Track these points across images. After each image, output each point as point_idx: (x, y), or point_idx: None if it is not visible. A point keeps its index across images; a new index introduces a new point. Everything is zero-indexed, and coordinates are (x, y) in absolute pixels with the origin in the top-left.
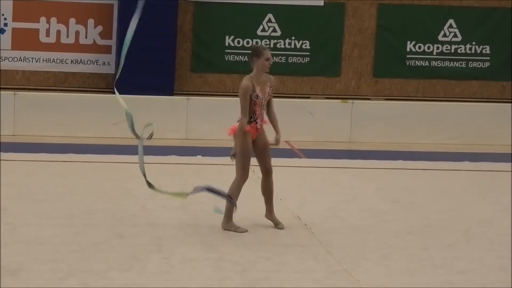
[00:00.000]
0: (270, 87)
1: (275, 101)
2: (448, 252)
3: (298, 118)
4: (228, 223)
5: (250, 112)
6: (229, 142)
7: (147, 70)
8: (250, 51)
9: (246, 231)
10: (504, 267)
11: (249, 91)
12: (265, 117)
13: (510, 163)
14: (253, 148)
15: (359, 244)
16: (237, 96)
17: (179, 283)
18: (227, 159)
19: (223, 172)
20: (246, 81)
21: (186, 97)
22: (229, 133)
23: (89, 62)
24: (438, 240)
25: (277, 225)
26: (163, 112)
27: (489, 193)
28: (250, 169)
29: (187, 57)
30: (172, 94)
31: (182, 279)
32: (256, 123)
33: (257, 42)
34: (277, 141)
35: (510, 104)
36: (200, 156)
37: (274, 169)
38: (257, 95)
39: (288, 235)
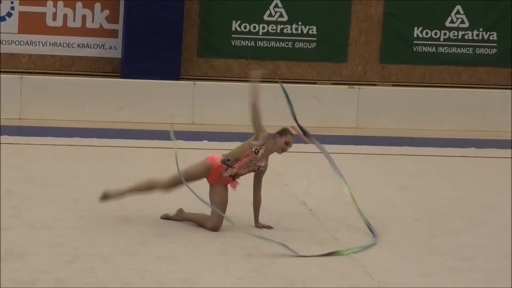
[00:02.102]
0: (264, 164)
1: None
2: (454, 239)
3: (304, 103)
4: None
5: (234, 154)
6: (236, 127)
7: (154, 55)
8: (256, 36)
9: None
10: (509, 255)
11: (255, 143)
12: (239, 181)
13: None
14: (209, 194)
15: (364, 230)
16: (244, 81)
17: (184, 268)
18: (233, 144)
19: None
20: (267, 137)
21: (193, 82)
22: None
23: (95, 46)
24: (444, 227)
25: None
26: (169, 97)
27: (495, 179)
28: (175, 188)
29: (193, 42)
30: (178, 79)
31: (187, 263)
32: (227, 170)
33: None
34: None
35: None
36: (206, 141)
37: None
38: (257, 152)
39: (293, 221)
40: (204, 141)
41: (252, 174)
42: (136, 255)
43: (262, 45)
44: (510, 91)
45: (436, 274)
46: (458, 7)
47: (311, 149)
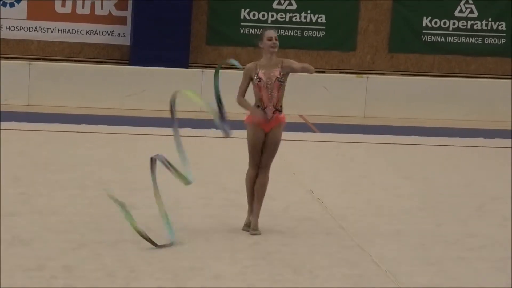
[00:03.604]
0: (280, 71)
1: (290, 75)
2: (460, 228)
3: (312, 92)
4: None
5: (256, 99)
6: (243, 114)
7: (163, 42)
8: (265, 24)
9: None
10: None
11: (248, 72)
12: (283, 110)
13: None
14: (264, 141)
15: (371, 219)
16: None
17: (190, 255)
18: (240, 133)
19: (235, 147)
20: (250, 63)
21: (201, 70)
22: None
23: (104, 33)
24: (450, 216)
25: (253, 229)
26: (177, 85)
27: (502, 169)
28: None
29: (202, 30)
30: (187, 67)
31: (193, 250)
32: (265, 112)
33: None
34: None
35: None
36: (214, 130)
37: (287, 143)
38: (259, 78)
39: (300, 209)
40: (211, 129)
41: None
42: (143, 242)
43: None
44: None
45: (442, 262)
46: None
47: (318, 137)
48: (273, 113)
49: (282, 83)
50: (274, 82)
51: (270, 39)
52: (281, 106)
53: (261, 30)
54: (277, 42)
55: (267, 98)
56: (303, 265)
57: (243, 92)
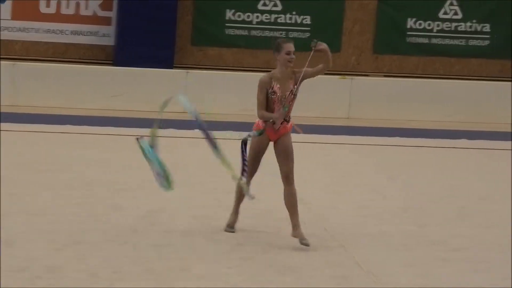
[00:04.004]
0: (294, 84)
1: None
2: (443, 229)
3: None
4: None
5: (268, 111)
6: (227, 116)
7: (147, 43)
8: (250, 25)
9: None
10: (501, 245)
11: (265, 85)
12: (291, 119)
13: (508, 141)
14: (274, 151)
15: (355, 220)
16: (237, 70)
17: (174, 256)
18: (224, 134)
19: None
20: (264, 75)
21: (186, 71)
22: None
23: (89, 33)
24: (433, 217)
25: (302, 240)
26: (162, 86)
27: (486, 171)
28: (258, 170)
29: (187, 30)
30: (172, 67)
31: (177, 251)
32: (274, 123)
33: (278, 36)
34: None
35: (509, 83)
36: (198, 130)
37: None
38: (273, 92)
39: (284, 210)
40: (195, 130)
41: None
42: (128, 243)
43: (255, 34)
44: (502, 83)
45: (424, 264)
46: None
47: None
48: (281, 123)
49: (295, 96)
50: (288, 96)
51: (289, 53)
52: (289, 116)
53: (278, 40)
54: (294, 57)
55: (279, 108)
56: (286, 266)
57: (263, 105)
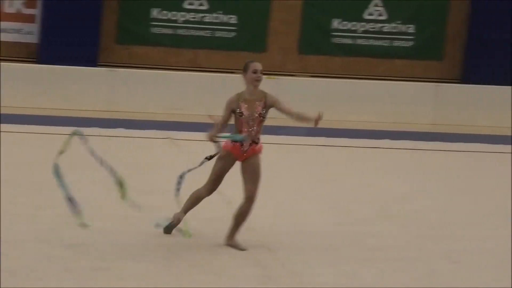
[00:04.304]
0: (263, 107)
1: (202, 75)
2: (363, 228)
3: (220, 92)
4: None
5: (236, 131)
6: (153, 115)
7: (71, 40)
8: (175, 24)
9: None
10: (418, 244)
11: (230, 105)
12: (260, 141)
13: (430, 142)
14: (241, 171)
15: (278, 220)
16: (163, 69)
17: (95, 255)
18: (147, 133)
19: (144, 146)
20: (232, 95)
21: (110, 69)
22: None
23: (12, 30)
24: (354, 217)
25: (238, 246)
26: (86, 84)
27: (407, 171)
28: (216, 189)
29: (112, 29)
30: (96, 66)
31: (99, 250)
32: (242, 145)
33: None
34: (315, 121)
35: (432, 84)
36: (123, 129)
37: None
38: (241, 113)
39: (208, 210)
40: (119, 128)
41: None
42: (47, 242)
43: (181, 33)
44: (426, 83)
45: (346, 263)
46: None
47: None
48: (250, 145)
49: (264, 119)
50: (256, 118)
51: (255, 71)
52: (258, 138)
53: (247, 62)
54: (262, 76)
55: (247, 132)
56: (209, 266)
57: (221, 123)
